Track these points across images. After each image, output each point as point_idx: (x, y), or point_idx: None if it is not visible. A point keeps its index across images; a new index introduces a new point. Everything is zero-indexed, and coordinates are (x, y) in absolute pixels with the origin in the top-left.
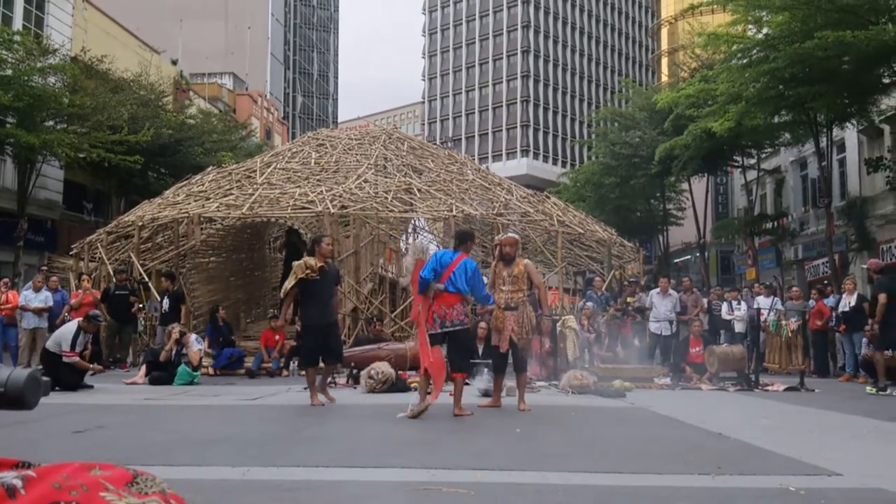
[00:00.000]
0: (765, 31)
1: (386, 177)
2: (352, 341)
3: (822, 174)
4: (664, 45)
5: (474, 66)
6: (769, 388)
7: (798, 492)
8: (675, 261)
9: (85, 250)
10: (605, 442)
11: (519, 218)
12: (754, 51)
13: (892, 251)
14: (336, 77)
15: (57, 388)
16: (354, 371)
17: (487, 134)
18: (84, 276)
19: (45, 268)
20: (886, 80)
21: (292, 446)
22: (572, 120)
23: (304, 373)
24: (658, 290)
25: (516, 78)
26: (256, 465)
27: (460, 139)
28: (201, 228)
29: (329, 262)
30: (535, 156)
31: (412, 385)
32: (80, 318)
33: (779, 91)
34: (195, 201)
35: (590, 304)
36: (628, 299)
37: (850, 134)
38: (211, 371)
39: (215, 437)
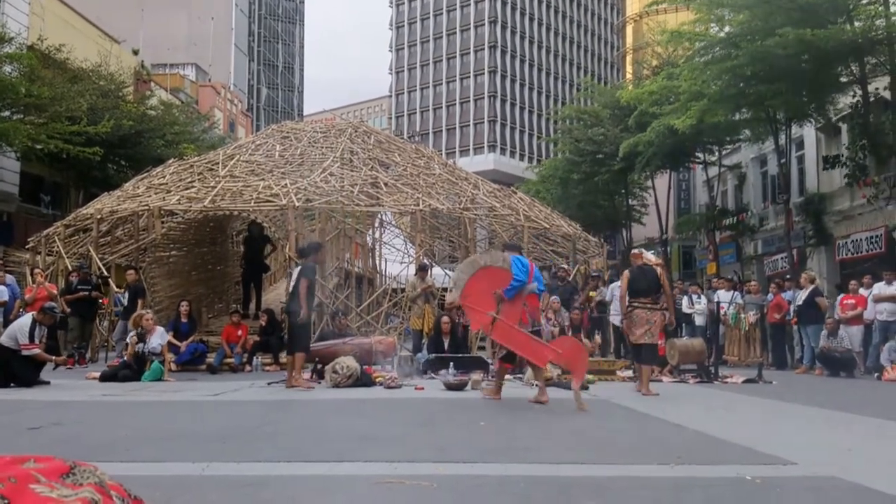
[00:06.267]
0: (727, 29)
1: (352, 170)
2: (316, 336)
3: (782, 171)
4: (629, 43)
5: (441, 60)
6: (728, 380)
7: (754, 480)
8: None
9: (42, 244)
10: (567, 433)
11: (486, 213)
12: (716, 48)
13: (849, 246)
14: (302, 69)
15: (12, 384)
16: (319, 366)
17: (455, 129)
18: (37, 271)
19: None
20: (844, 79)
21: (254, 441)
22: (539, 116)
23: (268, 368)
24: (619, 283)
25: (483, 73)
26: (217, 460)
27: (427, 134)
28: (162, 222)
29: None
30: (502, 151)
31: (377, 379)
32: (35, 312)
33: (739, 89)
34: (156, 194)
35: (556, 298)
36: (591, 293)
37: (808, 131)
38: (173, 367)
39: (175, 433)
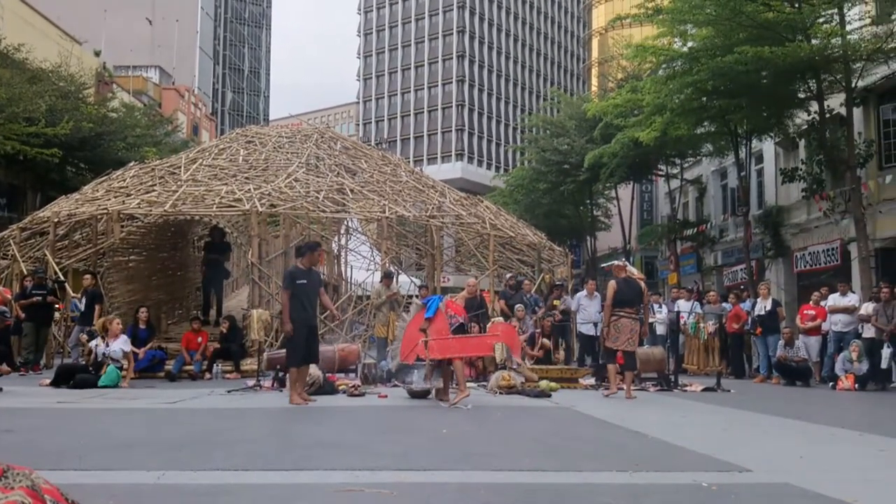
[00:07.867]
0: (689, 44)
1: (318, 176)
2: (279, 343)
3: (741, 184)
4: (594, 56)
5: (410, 68)
6: (687, 388)
7: (710, 487)
8: (602, 265)
9: None
10: (529, 441)
11: (452, 221)
12: (678, 63)
13: (806, 258)
14: (268, 74)
15: None
16: (280, 374)
17: (422, 136)
18: None
19: None
20: (802, 95)
21: (212, 449)
22: (506, 125)
23: (229, 376)
24: (585, 292)
25: (451, 82)
26: (173, 468)
27: (395, 141)
28: (121, 226)
29: (313, 268)
30: (470, 160)
31: (340, 387)
32: None
33: (701, 103)
34: (115, 197)
35: (521, 305)
36: (555, 302)
37: (767, 146)
38: (131, 373)
39: (130, 441)
